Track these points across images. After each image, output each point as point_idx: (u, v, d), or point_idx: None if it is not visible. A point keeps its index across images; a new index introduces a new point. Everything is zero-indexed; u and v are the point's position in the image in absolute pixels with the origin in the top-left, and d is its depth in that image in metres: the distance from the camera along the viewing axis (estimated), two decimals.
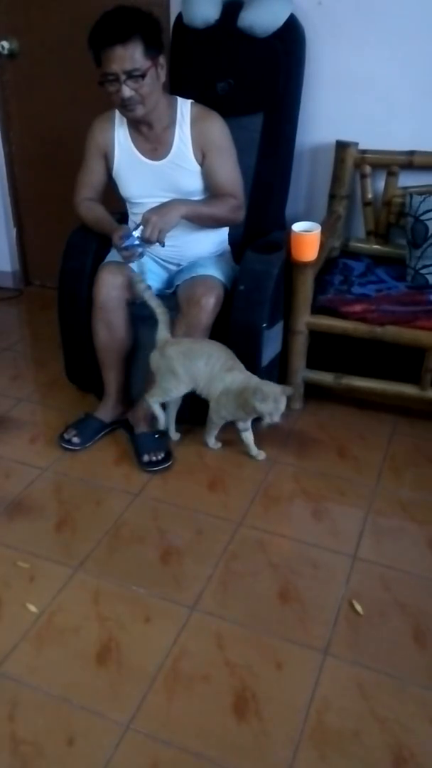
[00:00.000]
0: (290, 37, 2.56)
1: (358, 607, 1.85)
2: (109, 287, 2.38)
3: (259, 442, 2.45)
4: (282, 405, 2.24)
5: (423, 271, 2.60)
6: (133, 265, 2.40)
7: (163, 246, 2.30)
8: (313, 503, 2.25)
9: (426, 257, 2.58)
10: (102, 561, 2.01)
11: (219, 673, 1.68)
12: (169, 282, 2.57)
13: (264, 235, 2.63)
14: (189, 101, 2.39)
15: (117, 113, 2.39)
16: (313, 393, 2.67)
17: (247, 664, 1.70)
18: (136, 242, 2.25)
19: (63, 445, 2.48)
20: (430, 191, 2.63)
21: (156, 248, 2.40)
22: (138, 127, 2.35)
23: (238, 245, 2.64)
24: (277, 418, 2.24)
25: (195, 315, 2.32)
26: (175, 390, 2.33)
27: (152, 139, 2.37)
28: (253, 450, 2.43)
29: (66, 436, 2.49)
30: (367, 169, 2.76)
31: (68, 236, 2.57)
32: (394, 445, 2.52)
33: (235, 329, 2.40)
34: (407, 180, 2.72)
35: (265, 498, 2.25)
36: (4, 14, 3.21)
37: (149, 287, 2.33)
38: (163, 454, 2.41)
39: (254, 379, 2.27)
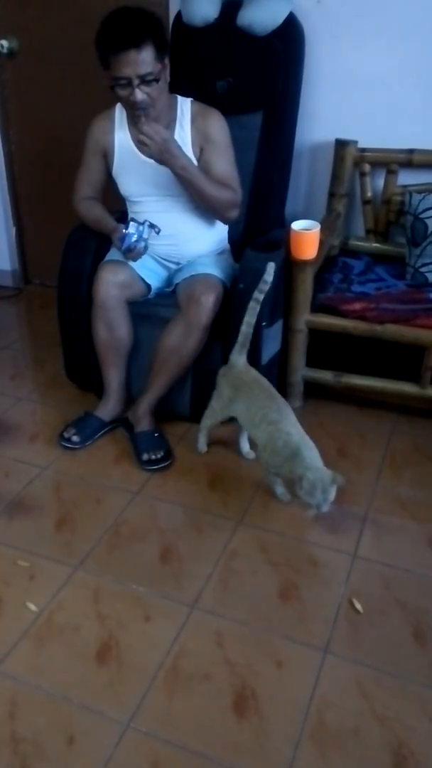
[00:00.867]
0: (289, 36, 2.56)
1: (358, 606, 1.85)
2: (109, 286, 2.38)
3: None
4: (331, 495, 1.96)
5: (422, 270, 2.60)
6: (135, 265, 2.40)
7: (158, 233, 2.26)
8: None
9: (425, 255, 2.58)
10: (102, 560, 2.01)
11: (219, 671, 1.68)
12: (169, 280, 2.57)
13: (263, 233, 2.63)
14: (189, 99, 2.39)
15: (117, 112, 2.39)
16: (313, 391, 2.67)
17: (247, 663, 1.70)
18: (134, 239, 2.25)
19: (62, 443, 2.48)
20: (430, 189, 2.63)
21: (155, 241, 2.39)
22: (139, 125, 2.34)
23: (237, 244, 2.64)
24: (325, 509, 1.98)
25: (195, 313, 2.32)
26: (219, 414, 2.31)
27: None
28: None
29: (66, 435, 2.49)
30: (367, 167, 2.76)
31: (68, 235, 2.57)
32: (394, 443, 2.52)
33: (234, 328, 2.39)
34: (407, 178, 2.72)
35: (264, 496, 2.25)
36: (3, 13, 3.20)
37: (260, 298, 2.18)
38: (162, 453, 2.41)
39: (301, 458, 1.99)
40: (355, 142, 2.73)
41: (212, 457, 2.45)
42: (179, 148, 2.22)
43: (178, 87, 2.50)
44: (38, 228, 3.68)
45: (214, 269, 2.43)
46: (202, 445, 2.44)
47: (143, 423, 2.46)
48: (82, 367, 2.71)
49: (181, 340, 2.36)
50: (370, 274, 2.71)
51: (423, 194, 2.58)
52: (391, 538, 2.10)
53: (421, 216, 2.56)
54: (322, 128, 2.81)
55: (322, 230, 2.39)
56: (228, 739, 1.53)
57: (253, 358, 2.40)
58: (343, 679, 1.66)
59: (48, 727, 1.55)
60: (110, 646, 1.74)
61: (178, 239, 2.48)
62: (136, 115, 2.25)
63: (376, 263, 2.79)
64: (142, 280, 2.48)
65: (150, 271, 2.52)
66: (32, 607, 1.85)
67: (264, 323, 2.36)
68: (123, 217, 2.54)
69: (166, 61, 2.23)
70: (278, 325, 2.50)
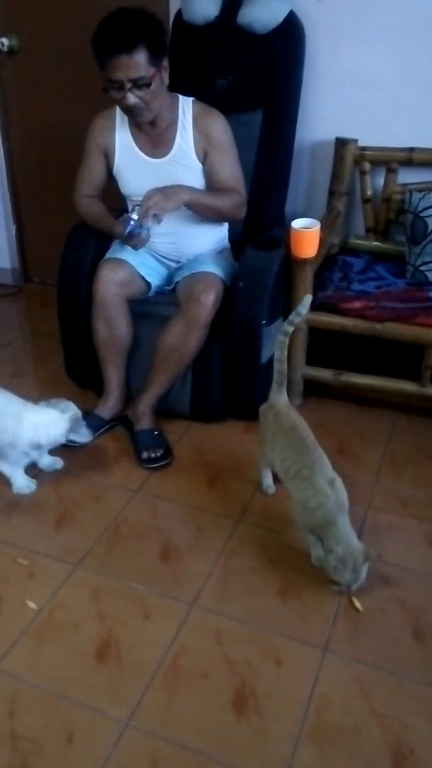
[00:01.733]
0: (290, 34, 2.56)
1: (358, 604, 1.85)
2: (109, 284, 2.38)
3: (257, 440, 2.44)
4: (363, 573, 1.81)
5: (422, 268, 2.60)
6: (135, 263, 2.40)
7: (159, 223, 2.27)
8: None
9: (425, 254, 2.58)
10: (101, 558, 2.01)
11: (218, 669, 1.68)
12: (169, 279, 2.57)
13: (263, 231, 2.63)
14: (190, 99, 2.38)
15: (118, 111, 2.39)
16: (313, 390, 2.67)
17: (247, 661, 1.70)
18: (134, 227, 2.25)
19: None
20: (430, 188, 2.63)
21: (155, 240, 2.39)
22: (141, 125, 2.34)
23: (237, 242, 2.64)
24: (354, 588, 1.84)
25: (194, 312, 2.32)
26: (270, 454, 2.12)
27: (154, 137, 2.37)
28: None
29: None
30: (367, 166, 2.75)
31: (68, 233, 2.57)
32: (394, 442, 2.52)
33: (234, 326, 2.40)
34: (407, 177, 2.71)
35: (264, 495, 2.25)
36: (3, 11, 3.20)
37: (289, 331, 2.04)
38: (162, 451, 2.41)
39: (335, 527, 1.83)
40: (355, 141, 2.73)
41: (212, 455, 2.45)
42: (173, 189, 2.23)
43: (178, 85, 2.50)
44: (38, 226, 3.67)
45: (214, 268, 2.43)
46: (266, 486, 2.24)
47: (143, 421, 2.46)
48: (82, 365, 2.71)
49: (181, 339, 2.36)
50: (370, 273, 2.71)
51: (423, 193, 2.57)
52: (391, 536, 2.10)
53: (421, 214, 2.56)
54: (322, 127, 2.81)
55: (322, 229, 2.38)
56: (227, 737, 1.53)
57: (253, 357, 2.40)
58: (343, 678, 1.66)
59: (47, 725, 1.55)
60: (110, 644, 1.74)
61: (178, 238, 2.48)
62: (134, 119, 2.26)
63: (376, 262, 2.79)
64: (142, 278, 2.48)
65: (150, 270, 2.52)
66: (32, 605, 1.85)
67: (263, 322, 2.36)
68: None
69: (165, 63, 2.22)
70: (278, 324, 2.49)
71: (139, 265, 2.46)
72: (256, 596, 1.89)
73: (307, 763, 1.48)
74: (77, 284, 2.53)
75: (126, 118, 2.38)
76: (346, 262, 2.79)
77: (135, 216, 2.24)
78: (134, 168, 2.42)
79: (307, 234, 2.34)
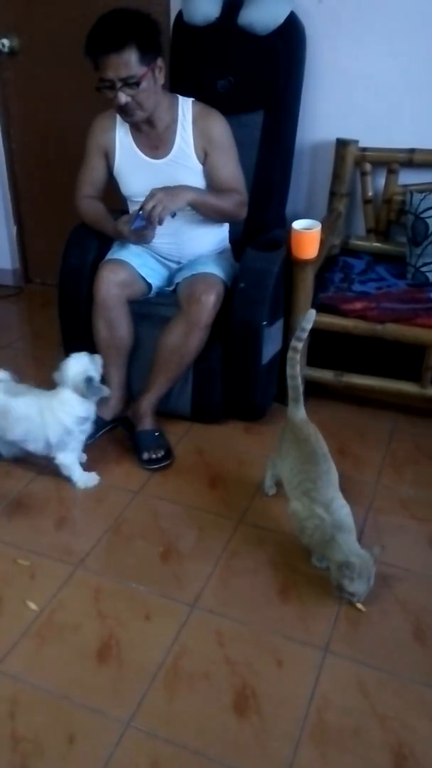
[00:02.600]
0: (290, 35, 2.56)
1: (359, 605, 1.85)
2: (110, 285, 2.38)
3: (258, 441, 2.45)
4: (372, 579, 1.80)
5: (423, 269, 2.60)
6: (136, 264, 2.40)
7: (161, 224, 2.27)
8: None
9: (426, 255, 2.58)
10: (102, 559, 2.01)
11: (219, 670, 1.68)
12: (170, 279, 2.57)
13: (264, 232, 2.63)
14: (190, 100, 2.38)
15: None
16: (314, 391, 2.66)
17: (248, 662, 1.70)
18: (143, 223, 2.26)
19: None
20: (431, 189, 2.63)
21: (156, 239, 2.39)
22: (139, 126, 2.35)
23: (238, 243, 2.64)
24: (364, 597, 1.82)
25: (195, 313, 2.32)
26: (278, 465, 2.10)
27: (153, 138, 2.37)
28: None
29: None
30: (368, 166, 2.75)
31: (68, 234, 2.57)
32: (394, 442, 2.52)
33: (235, 327, 2.40)
34: (407, 178, 2.71)
35: (265, 496, 2.25)
36: (4, 11, 3.20)
37: (298, 347, 2.00)
38: (163, 452, 2.41)
39: (340, 543, 1.80)
40: (356, 142, 2.73)
41: (212, 456, 2.45)
42: (177, 188, 2.24)
43: (178, 86, 2.50)
44: (39, 227, 3.68)
45: (214, 268, 2.43)
46: (267, 486, 2.24)
47: (144, 422, 2.46)
48: None
49: (181, 340, 2.36)
50: (371, 274, 2.71)
51: (424, 194, 2.57)
52: (391, 537, 2.10)
53: (422, 215, 2.56)
54: (323, 127, 2.81)
55: (322, 229, 2.38)
56: (228, 738, 1.53)
57: (254, 358, 2.40)
58: (344, 679, 1.66)
59: (48, 726, 1.55)
60: (110, 645, 1.74)
61: (179, 238, 2.48)
62: (127, 119, 2.27)
63: (377, 263, 2.79)
64: (143, 279, 2.48)
65: (151, 270, 2.52)
66: (32, 605, 1.85)
67: (264, 323, 2.36)
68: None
69: (159, 62, 2.22)
70: (279, 325, 2.50)
71: (139, 265, 2.47)
72: (256, 597, 1.89)
73: (308, 764, 1.48)
74: (78, 285, 2.53)
75: None
76: (346, 262, 2.79)
77: (142, 212, 2.25)
78: (134, 168, 2.42)
79: (308, 235, 2.34)
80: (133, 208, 2.51)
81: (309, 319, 1.99)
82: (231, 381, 2.51)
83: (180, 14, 2.67)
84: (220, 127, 2.37)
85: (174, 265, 2.58)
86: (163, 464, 2.39)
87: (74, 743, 1.52)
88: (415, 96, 2.66)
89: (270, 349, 2.47)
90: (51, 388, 2.24)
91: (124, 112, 2.25)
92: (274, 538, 2.09)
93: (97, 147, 2.44)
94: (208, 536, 2.10)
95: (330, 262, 2.78)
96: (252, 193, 2.58)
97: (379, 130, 2.71)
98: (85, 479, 2.29)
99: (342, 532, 1.82)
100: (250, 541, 2.08)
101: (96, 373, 2.21)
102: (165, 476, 2.36)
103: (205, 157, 2.36)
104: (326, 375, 2.59)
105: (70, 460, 2.26)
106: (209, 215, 2.39)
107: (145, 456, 2.39)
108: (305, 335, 2.00)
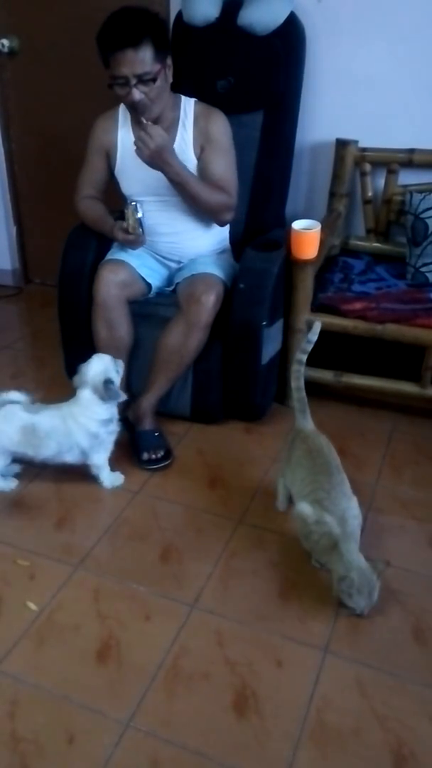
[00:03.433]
0: (290, 36, 2.56)
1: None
2: (110, 285, 2.38)
3: (258, 441, 2.45)
4: (376, 593, 1.76)
5: (423, 269, 2.60)
6: (136, 264, 2.40)
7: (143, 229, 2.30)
8: None
9: (426, 255, 2.58)
10: (102, 559, 2.01)
11: (219, 671, 1.68)
12: (170, 280, 2.57)
13: (264, 233, 2.63)
14: (193, 100, 2.39)
15: (120, 112, 2.40)
16: (313, 391, 2.64)
17: (247, 662, 1.70)
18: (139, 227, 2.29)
19: None
20: (430, 189, 2.63)
21: (157, 239, 2.40)
22: (142, 125, 2.34)
23: (238, 243, 2.64)
24: (368, 611, 1.79)
25: (195, 313, 2.32)
26: (288, 476, 2.08)
27: None
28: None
29: None
30: (367, 167, 2.76)
31: (68, 234, 2.57)
32: (394, 443, 2.52)
33: (235, 327, 2.40)
34: (407, 178, 2.72)
35: (265, 496, 2.25)
36: (4, 12, 3.21)
37: (303, 359, 2.01)
38: (163, 452, 2.41)
39: (339, 554, 1.78)
40: (356, 142, 2.73)
41: (212, 456, 2.45)
42: (173, 154, 2.23)
43: (178, 86, 2.49)
44: (38, 227, 3.68)
45: (214, 269, 2.43)
46: (279, 502, 2.18)
47: (144, 422, 2.46)
48: None
49: (181, 340, 2.36)
50: (371, 274, 2.71)
51: (423, 194, 2.58)
52: (391, 537, 2.10)
53: (422, 216, 2.56)
54: (322, 128, 2.81)
55: (322, 230, 2.39)
56: (228, 738, 1.53)
57: (253, 359, 2.40)
58: (343, 679, 1.66)
59: (48, 726, 1.55)
60: (110, 645, 1.74)
61: (179, 238, 2.48)
62: (139, 116, 2.26)
63: (377, 263, 2.79)
64: (143, 279, 2.48)
65: (150, 270, 2.52)
66: (32, 606, 1.85)
67: (264, 323, 2.36)
68: (122, 218, 2.54)
69: (168, 61, 2.23)
70: (278, 325, 2.50)
71: (139, 266, 2.47)
72: (256, 597, 1.89)
73: (308, 764, 1.48)
74: (78, 285, 2.53)
75: (128, 119, 2.38)
76: (346, 263, 2.79)
77: (139, 214, 2.26)
78: (135, 168, 2.42)
79: (307, 235, 2.34)
80: None
81: (315, 331, 1.98)
82: (231, 381, 2.51)
83: (180, 14, 2.68)
84: (220, 125, 2.37)
85: (174, 265, 2.58)
86: (162, 464, 2.39)
87: (74, 743, 1.52)
88: (414, 96, 2.66)
89: (270, 349, 2.47)
90: (59, 396, 2.24)
91: (137, 109, 2.24)
92: (274, 539, 2.09)
93: (99, 147, 2.44)
94: (207, 536, 2.10)
95: (330, 262, 2.78)
96: (252, 193, 2.59)
97: (379, 131, 2.71)
98: (112, 479, 2.29)
99: (346, 542, 1.81)
100: (249, 542, 2.08)
101: (116, 377, 2.20)
102: (165, 476, 2.36)
103: (200, 153, 2.36)
104: (326, 375, 2.60)
105: (101, 460, 2.26)
106: (191, 202, 2.36)
107: (145, 456, 2.39)
108: (311, 347, 1.99)
